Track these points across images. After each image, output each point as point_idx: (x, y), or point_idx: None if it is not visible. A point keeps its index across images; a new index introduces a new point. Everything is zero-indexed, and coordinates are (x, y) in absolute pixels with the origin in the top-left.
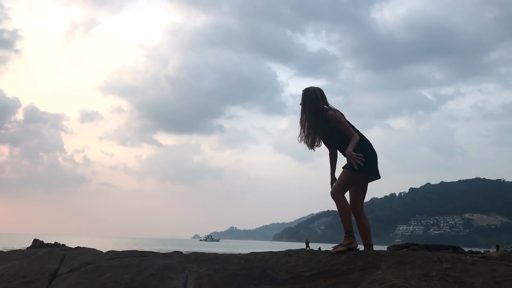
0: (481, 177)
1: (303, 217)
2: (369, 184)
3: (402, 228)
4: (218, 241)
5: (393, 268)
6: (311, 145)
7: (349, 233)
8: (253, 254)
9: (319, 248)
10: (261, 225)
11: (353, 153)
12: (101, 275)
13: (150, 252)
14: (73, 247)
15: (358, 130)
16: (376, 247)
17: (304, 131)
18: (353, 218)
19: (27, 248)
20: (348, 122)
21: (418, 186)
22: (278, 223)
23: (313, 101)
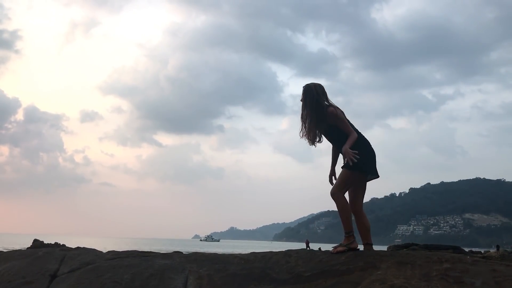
0: (481, 177)
1: (303, 217)
2: (369, 183)
3: (402, 228)
4: (218, 241)
5: (393, 268)
6: (312, 141)
7: (349, 233)
8: (253, 254)
9: (319, 248)
10: (261, 225)
11: (349, 150)
12: (101, 275)
13: (150, 252)
14: (73, 247)
15: (357, 129)
16: (376, 247)
17: (305, 127)
18: (353, 218)
19: (27, 248)
20: (348, 121)
21: (418, 186)
22: (278, 223)
23: (313, 96)
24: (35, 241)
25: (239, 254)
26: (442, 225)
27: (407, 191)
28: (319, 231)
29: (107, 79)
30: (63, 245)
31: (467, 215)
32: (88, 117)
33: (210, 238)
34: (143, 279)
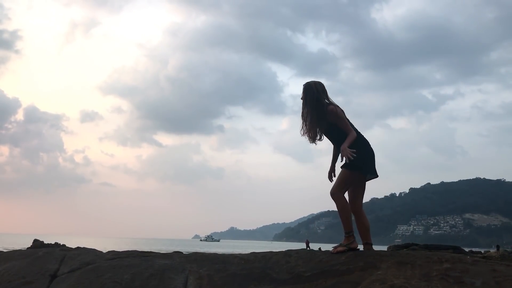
0: (481, 177)
1: (303, 217)
2: (369, 183)
3: (402, 228)
4: (218, 241)
5: (393, 268)
6: (313, 139)
7: (349, 233)
8: (253, 254)
9: (319, 248)
10: (261, 225)
11: (348, 148)
12: (101, 275)
13: (150, 252)
14: (73, 247)
15: (356, 129)
16: (376, 247)
17: (306, 125)
18: (353, 218)
19: (27, 248)
20: (348, 120)
21: (418, 186)
22: (278, 223)
23: (314, 94)
24: (35, 241)
25: (239, 254)
26: (442, 225)
27: (407, 191)
28: (319, 231)
29: (107, 79)
30: (63, 245)
31: (467, 215)
32: (88, 117)
33: (210, 238)
34: (143, 279)
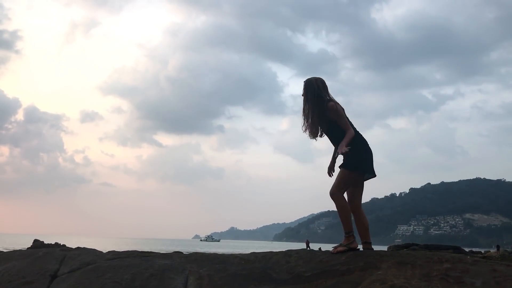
0: (482, 177)
1: (304, 217)
2: (369, 183)
3: (402, 228)
4: (219, 241)
5: (393, 268)
6: (314, 135)
7: (349, 233)
8: (253, 254)
9: (320, 248)
10: (262, 225)
11: (345, 146)
12: (101, 275)
13: (151, 252)
14: (74, 247)
15: (355, 128)
16: (376, 247)
17: (307, 121)
18: (352, 218)
19: (28, 248)
20: (347, 119)
21: (418, 186)
22: (278, 223)
23: (314, 90)
24: (35, 241)
25: (239, 254)
26: (442, 225)
27: (407, 191)
28: (319, 231)
29: (107, 79)
30: (63, 245)
31: (467, 215)
32: (88, 117)
33: (210, 238)
34: (143, 279)
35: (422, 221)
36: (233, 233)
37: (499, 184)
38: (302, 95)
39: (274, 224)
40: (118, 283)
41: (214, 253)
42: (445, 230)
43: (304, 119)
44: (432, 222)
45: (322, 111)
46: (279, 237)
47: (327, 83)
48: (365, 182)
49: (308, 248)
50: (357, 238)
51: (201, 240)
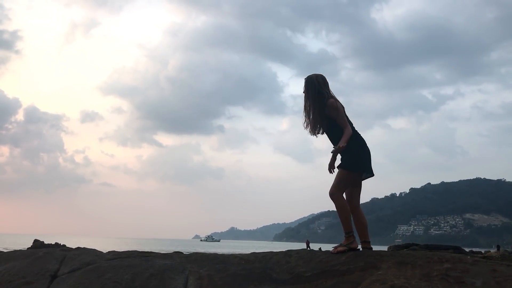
0: (482, 177)
1: (304, 217)
2: (369, 183)
3: (402, 228)
4: (219, 241)
5: (393, 268)
6: (315, 132)
7: (349, 233)
8: (253, 254)
9: (320, 248)
10: (262, 226)
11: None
12: (101, 275)
13: (151, 252)
14: (74, 247)
15: (354, 127)
16: (376, 247)
17: (308, 118)
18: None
19: (28, 248)
20: (347, 117)
21: (418, 186)
22: (278, 223)
23: (315, 87)
24: (36, 241)
25: (240, 254)
26: (442, 225)
27: (407, 191)
28: (319, 231)
29: (107, 79)
30: (64, 245)
31: (467, 215)
32: (88, 117)
33: (210, 238)
34: (144, 279)
35: (422, 221)
36: (233, 233)
37: (499, 184)
38: (303, 92)
39: (274, 224)
40: (118, 283)
41: (214, 253)
42: (445, 230)
43: (305, 115)
44: (432, 222)
45: (323, 107)
46: (279, 237)
47: None
48: (365, 182)
49: (308, 248)
50: (357, 238)
51: (201, 240)
